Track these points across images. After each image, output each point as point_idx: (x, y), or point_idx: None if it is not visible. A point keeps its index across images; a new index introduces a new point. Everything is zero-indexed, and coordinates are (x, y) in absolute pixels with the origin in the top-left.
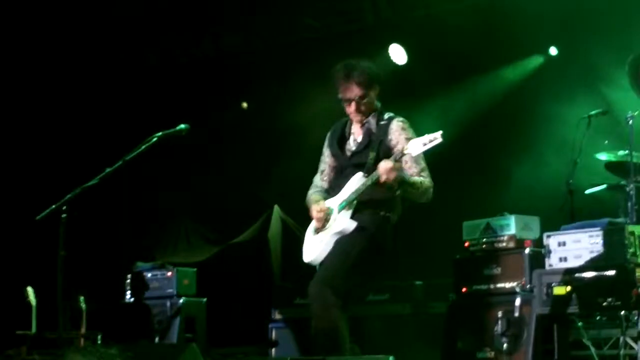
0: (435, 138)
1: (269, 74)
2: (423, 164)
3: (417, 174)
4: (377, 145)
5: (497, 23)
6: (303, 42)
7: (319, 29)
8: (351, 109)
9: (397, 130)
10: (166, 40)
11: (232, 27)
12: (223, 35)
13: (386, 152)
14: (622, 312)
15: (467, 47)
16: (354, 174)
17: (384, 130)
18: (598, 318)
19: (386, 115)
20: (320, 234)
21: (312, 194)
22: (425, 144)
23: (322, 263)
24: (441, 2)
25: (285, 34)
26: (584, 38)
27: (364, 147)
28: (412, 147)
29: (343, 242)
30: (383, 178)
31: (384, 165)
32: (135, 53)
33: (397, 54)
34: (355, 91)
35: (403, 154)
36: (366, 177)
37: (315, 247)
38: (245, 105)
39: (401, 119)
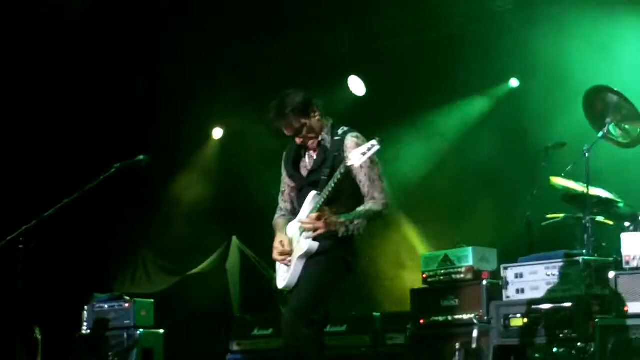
0: (373, 145)
1: (229, 103)
2: (377, 182)
3: (370, 194)
4: (331, 162)
5: (456, 55)
6: (263, 72)
7: (280, 58)
8: (297, 140)
9: (351, 145)
10: (120, 71)
11: (192, 56)
12: (183, 64)
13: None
14: (579, 344)
15: (425, 80)
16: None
17: (338, 145)
18: (555, 350)
19: (340, 131)
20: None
21: (277, 218)
22: (364, 153)
23: (293, 289)
24: (401, 35)
25: (247, 63)
26: (543, 69)
27: (320, 164)
28: (353, 158)
29: (314, 269)
30: (312, 232)
31: (308, 220)
32: (94, 83)
33: (356, 85)
34: (290, 126)
35: (347, 167)
36: (319, 194)
37: (285, 273)
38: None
39: (355, 133)
